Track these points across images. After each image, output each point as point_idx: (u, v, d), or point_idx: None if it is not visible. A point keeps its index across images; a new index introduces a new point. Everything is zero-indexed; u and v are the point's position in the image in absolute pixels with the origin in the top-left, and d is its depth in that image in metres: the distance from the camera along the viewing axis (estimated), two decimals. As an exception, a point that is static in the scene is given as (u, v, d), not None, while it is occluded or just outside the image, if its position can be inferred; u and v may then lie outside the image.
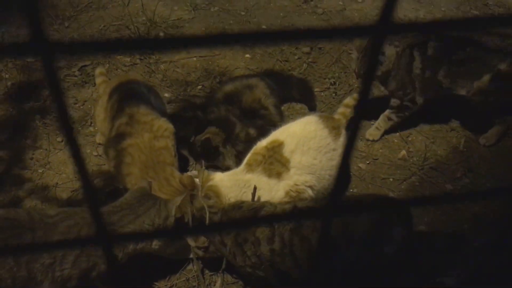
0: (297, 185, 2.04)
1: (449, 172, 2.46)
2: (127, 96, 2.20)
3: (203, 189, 2.03)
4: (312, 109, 2.72)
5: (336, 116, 2.34)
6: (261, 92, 2.33)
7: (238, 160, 2.21)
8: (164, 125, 2.17)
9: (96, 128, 2.53)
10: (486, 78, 2.29)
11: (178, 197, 1.80)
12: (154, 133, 2.12)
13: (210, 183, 2.04)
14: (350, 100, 2.46)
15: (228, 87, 2.42)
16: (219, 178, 2.05)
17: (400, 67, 2.41)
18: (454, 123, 2.70)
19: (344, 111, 2.40)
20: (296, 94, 2.73)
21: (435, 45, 2.36)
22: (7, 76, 2.78)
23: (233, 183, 2.04)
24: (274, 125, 2.27)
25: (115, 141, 2.10)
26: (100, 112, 2.27)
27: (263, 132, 2.21)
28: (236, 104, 2.32)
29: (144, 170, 2.06)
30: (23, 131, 2.50)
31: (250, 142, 2.21)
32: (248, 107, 2.29)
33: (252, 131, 2.26)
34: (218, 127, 2.27)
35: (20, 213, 1.58)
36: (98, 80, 2.56)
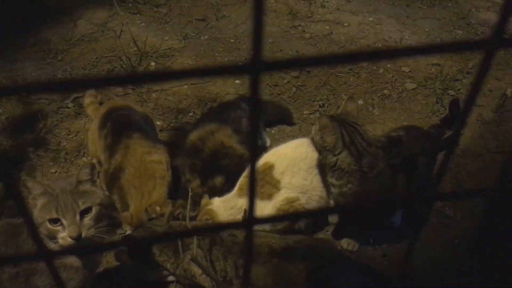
0: (287, 197, 2.07)
1: (438, 188, 2.49)
2: (122, 126, 2.24)
3: (202, 212, 2.07)
4: (291, 125, 2.80)
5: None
6: (223, 135, 2.34)
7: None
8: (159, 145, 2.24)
9: (89, 158, 2.56)
10: None
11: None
12: (149, 148, 2.17)
13: (209, 206, 2.08)
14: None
15: (192, 137, 2.38)
16: (217, 205, 2.10)
17: None
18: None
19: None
20: (272, 116, 2.78)
21: None
22: (1, 110, 2.83)
23: (227, 209, 2.08)
24: (241, 159, 2.30)
25: (114, 177, 2.15)
26: (91, 135, 2.34)
27: (231, 171, 2.23)
28: (199, 155, 2.28)
29: (131, 180, 2.09)
30: (17, 163, 2.53)
31: (222, 189, 2.21)
32: (211, 152, 2.29)
33: (219, 179, 2.24)
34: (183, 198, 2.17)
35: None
36: (87, 100, 2.63)
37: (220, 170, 2.24)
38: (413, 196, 1.99)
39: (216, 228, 1.17)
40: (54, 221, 1.45)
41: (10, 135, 2.69)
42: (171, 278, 1.98)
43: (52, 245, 1.51)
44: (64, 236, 1.45)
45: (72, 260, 1.55)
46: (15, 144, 2.63)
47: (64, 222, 1.45)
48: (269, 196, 2.09)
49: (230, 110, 2.51)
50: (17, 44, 3.33)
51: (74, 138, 2.69)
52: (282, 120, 2.84)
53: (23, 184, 1.44)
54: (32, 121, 2.77)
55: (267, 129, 2.78)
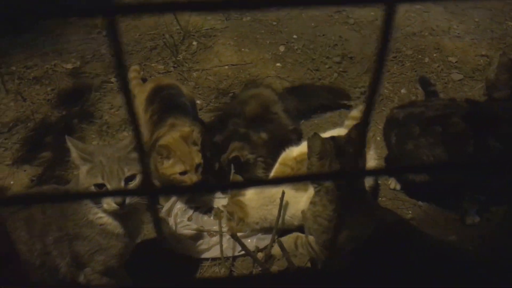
0: None
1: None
2: (168, 106, 2.25)
3: (233, 200, 2.05)
4: (347, 107, 2.75)
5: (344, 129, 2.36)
6: (268, 99, 2.33)
7: (266, 166, 2.20)
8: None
9: (130, 134, 2.60)
10: None
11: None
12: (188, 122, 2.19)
13: (240, 197, 2.06)
14: (356, 112, 2.47)
15: (238, 98, 2.43)
16: (249, 198, 2.05)
17: None
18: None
19: (351, 123, 2.41)
20: (326, 101, 2.74)
21: None
22: (47, 82, 2.90)
23: (260, 203, 2.04)
24: (285, 129, 2.28)
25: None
26: (137, 108, 2.36)
27: (275, 136, 2.22)
28: (241, 115, 2.30)
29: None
30: (62, 134, 2.59)
31: (265, 146, 2.21)
32: (254, 115, 2.28)
33: (263, 135, 2.24)
34: (240, 140, 2.22)
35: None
36: (130, 75, 2.66)
37: (264, 129, 2.25)
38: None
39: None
40: (99, 186, 1.48)
41: (55, 106, 2.75)
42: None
43: (96, 210, 1.54)
44: (109, 201, 1.48)
45: (114, 227, 1.58)
46: (60, 115, 2.69)
47: (109, 187, 1.48)
48: (305, 187, 2.03)
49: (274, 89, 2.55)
50: (63, 19, 3.39)
51: (116, 112, 2.73)
52: (338, 104, 2.79)
53: (69, 144, 1.48)
54: (76, 94, 2.83)
55: (313, 116, 2.74)
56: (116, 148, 1.56)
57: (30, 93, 2.82)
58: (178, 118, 2.17)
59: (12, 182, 2.31)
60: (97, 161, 1.49)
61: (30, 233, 1.52)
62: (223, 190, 2.22)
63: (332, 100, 2.76)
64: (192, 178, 1.98)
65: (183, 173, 1.99)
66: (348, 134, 1.68)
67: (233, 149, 2.14)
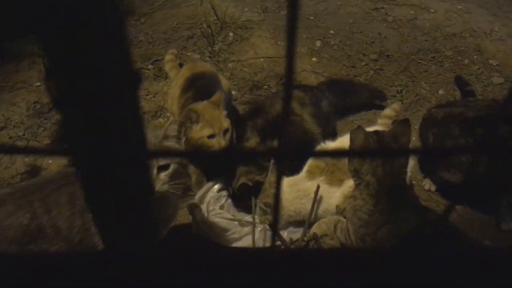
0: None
1: None
2: (205, 95, 2.25)
3: (267, 193, 2.05)
4: (383, 108, 2.70)
5: (377, 127, 2.33)
6: (296, 102, 2.30)
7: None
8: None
9: (165, 120, 2.63)
10: None
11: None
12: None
13: (273, 191, 2.05)
14: (390, 111, 2.44)
15: (266, 98, 2.42)
16: (284, 191, 2.03)
17: None
18: None
19: (384, 122, 2.38)
20: (364, 98, 2.70)
21: None
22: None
23: (294, 196, 2.03)
24: (308, 133, 2.25)
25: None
26: (172, 91, 2.38)
27: (293, 139, 2.17)
28: (264, 115, 2.24)
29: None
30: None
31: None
32: (276, 115, 2.23)
33: (276, 143, 2.19)
34: (246, 164, 2.14)
35: None
36: (167, 57, 2.71)
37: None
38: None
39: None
40: None
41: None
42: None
43: None
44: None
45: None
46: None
47: None
48: (339, 183, 2.02)
49: (313, 88, 2.50)
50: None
51: (152, 99, 2.77)
52: (375, 103, 2.75)
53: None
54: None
55: (347, 113, 2.71)
56: (154, 134, 1.57)
57: (69, 75, 2.88)
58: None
59: (50, 161, 2.37)
60: None
61: (72, 209, 1.55)
62: (254, 158, 2.18)
63: (368, 99, 2.73)
64: (220, 142, 2.02)
65: (211, 136, 2.02)
66: (392, 130, 1.66)
67: (240, 175, 2.10)
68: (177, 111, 2.31)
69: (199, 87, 2.29)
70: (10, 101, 2.66)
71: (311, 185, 2.01)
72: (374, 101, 2.74)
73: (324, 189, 2.00)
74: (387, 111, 2.48)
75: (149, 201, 0.51)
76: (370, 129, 2.17)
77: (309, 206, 1.96)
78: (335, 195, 2.02)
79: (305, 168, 2.11)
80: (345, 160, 2.00)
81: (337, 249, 1.71)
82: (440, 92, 2.86)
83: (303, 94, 2.34)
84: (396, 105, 2.55)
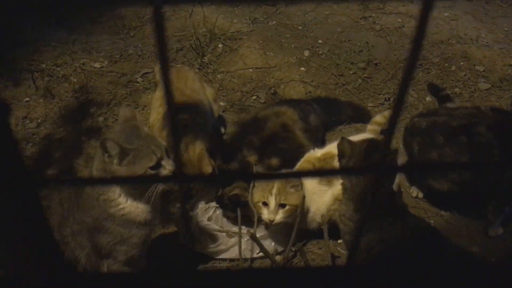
0: None
1: None
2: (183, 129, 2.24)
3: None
4: (367, 122, 2.71)
5: (367, 134, 2.35)
6: (288, 118, 2.32)
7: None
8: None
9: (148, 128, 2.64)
10: None
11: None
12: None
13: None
14: (380, 118, 2.45)
15: (258, 115, 2.42)
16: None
17: None
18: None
19: (374, 128, 2.40)
20: (349, 113, 2.72)
21: None
22: (75, 80, 2.97)
23: None
24: (301, 147, 2.27)
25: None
26: (155, 102, 2.39)
27: (288, 157, 2.19)
28: (259, 133, 2.27)
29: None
30: (90, 131, 2.64)
31: (277, 170, 2.17)
32: (270, 133, 2.27)
33: (274, 161, 2.19)
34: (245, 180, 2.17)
35: None
36: (157, 68, 2.69)
37: (277, 152, 2.23)
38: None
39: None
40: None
41: (82, 104, 2.81)
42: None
43: (118, 201, 1.58)
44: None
45: (135, 216, 1.60)
46: (87, 113, 2.75)
47: None
48: (329, 183, 2.06)
49: (302, 102, 2.52)
50: (93, 18, 3.47)
51: (141, 111, 2.78)
52: (359, 118, 2.74)
53: (102, 145, 1.49)
54: (104, 93, 2.88)
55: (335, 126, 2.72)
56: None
57: (58, 90, 2.90)
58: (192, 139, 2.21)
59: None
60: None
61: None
62: (247, 179, 2.18)
63: (352, 116, 2.74)
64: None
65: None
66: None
67: (236, 187, 2.11)
68: (157, 127, 2.31)
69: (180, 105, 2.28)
70: (-1, 117, 2.67)
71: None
72: (359, 118, 2.74)
73: (315, 187, 2.03)
74: (377, 118, 2.49)
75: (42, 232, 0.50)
76: (358, 136, 2.20)
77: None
78: (326, 194, 2.05)
79: (295, 168, 2.13)
80: (335, 161, 2.03)
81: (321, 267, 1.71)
82: (428, 99, 2.88)
83: (292, 110, 2.36)
84: (387, 113, 2.56)
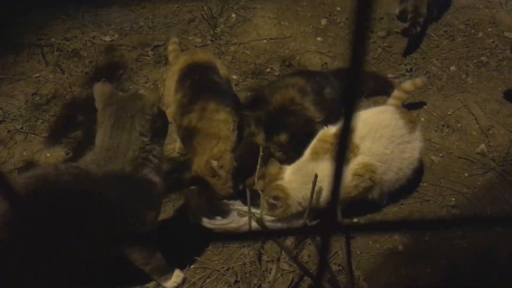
0: (364, 163, 1.94)
1: (535, 170, 2.25)
2: (201, 88, 2.18)
3: (271, 186, 1.97)
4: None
5: (391, 100, 2.23)
6: (297, 91, 2.20)
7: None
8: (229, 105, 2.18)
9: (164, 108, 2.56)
10: None
11: None
12: (217, 106, 2.12)
13: (280, 182, 1.97)
14: (410, 86, 2.29)
15: (266, 88, 2.33)
16: (288, 180, 1.97)
17: None
18: (545, 117, 2.46)
19: (399, 95, 2.26)
20: (371, 85, 2.58)
21: None
22: (85, 54, 2.90)
23: (300, 182, 1.95)
24: (311, 120, 2.16)
25: (188, 136, 2.13)
26: (168, 82, 2.30)
27: (297, 131, 2.11)
28: (265, 107, 2.19)
29: (199, 138, 2.07)
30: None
31: (287, 146, 2.11)
32: (278, 106, 2.16)
33: (283, 137, 2.11)
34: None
35: None
36: (170, 47, 2.57)
37: (285, 127, 2.14)
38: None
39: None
40: None
41: (93, 79, 2.75)
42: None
43: None
44: None
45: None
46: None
47: None
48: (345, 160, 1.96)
49: (316, 75, 2.39)
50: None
51: (152, 86, 2.70)
52: (382, 90, 2.59)
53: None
54: (114, 67, 2.81)
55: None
56: None
57: (68, 65, 2.83)
58: (208, 100, 2.11)
59: (48, 155, 2.34)
60: None
61: None
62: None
63: (375, 88, 2.59)
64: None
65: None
66: None
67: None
68: (174, 110, 2.23)
69: (195, 80, 2.20)
70: (8, 93, 2.63)
71: (314, 168, 1.93)
72: (381, 90, 2.59)
73: (331, 168, 1.93)
74: (406, 85, 2.30)
75: None
76: (375, 110, 2.09)
77: (317, 189, 1.88)
78: (344, 175, 1.95)
79: (308, 150, 2.03)
80: (352, 138, 1.91)
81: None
82: (452, 68, 2.73)
83: (305, 82, 2.24)
84: (419, 80, 2.35)
